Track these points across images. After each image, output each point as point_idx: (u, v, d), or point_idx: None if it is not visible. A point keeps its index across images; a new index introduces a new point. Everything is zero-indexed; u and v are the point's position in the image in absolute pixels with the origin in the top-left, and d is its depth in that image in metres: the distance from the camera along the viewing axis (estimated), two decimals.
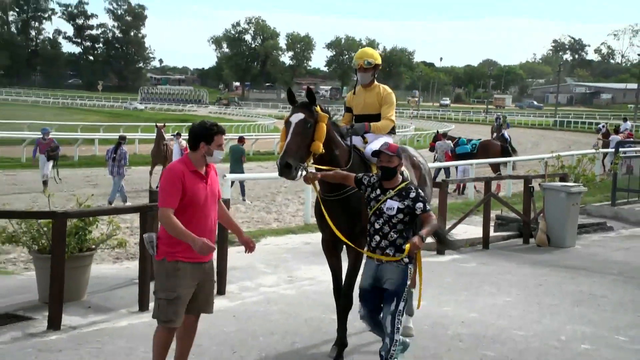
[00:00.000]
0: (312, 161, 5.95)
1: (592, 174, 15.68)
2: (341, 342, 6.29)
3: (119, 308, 7.66)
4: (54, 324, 7.01)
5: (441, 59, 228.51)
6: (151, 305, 6.36)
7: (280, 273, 9.34)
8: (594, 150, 23.81)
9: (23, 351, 6.40)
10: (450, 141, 22.30)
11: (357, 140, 6.53)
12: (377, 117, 6.72)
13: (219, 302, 8.00)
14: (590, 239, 13.28)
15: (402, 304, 5.56)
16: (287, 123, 5.80)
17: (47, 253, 7.57)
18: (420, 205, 5.53)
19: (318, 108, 5.88)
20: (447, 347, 6.84)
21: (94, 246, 8.24)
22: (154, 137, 21.01)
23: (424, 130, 51.91)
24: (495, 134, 28.64)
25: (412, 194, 5.59)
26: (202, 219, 5.33)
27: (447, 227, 11.74)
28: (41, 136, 20.25)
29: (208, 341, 6.57)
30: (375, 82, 6.86)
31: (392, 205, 5.58)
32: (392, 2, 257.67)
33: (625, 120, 37.93)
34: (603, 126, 32.49)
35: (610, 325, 7.79)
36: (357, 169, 6.17)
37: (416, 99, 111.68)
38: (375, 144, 6.30)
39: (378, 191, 5.69)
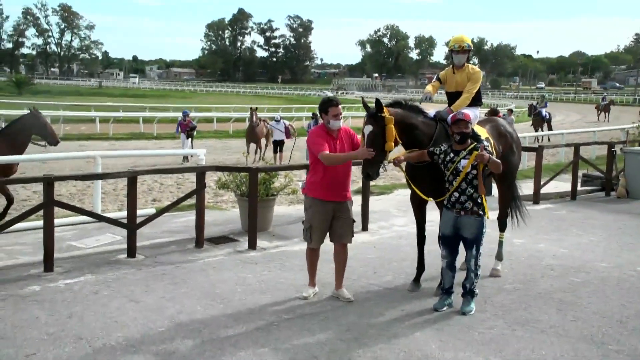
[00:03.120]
0: (393, 153, 5.30)
1: None
2: (420, 269, 5.93)
3: (293, 237, 7.85)
4: (252, 245, 7.35)
5: (538, 51, 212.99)
6: None
7: (409, 216, 9.07)
8: None
9: (234, 262, 6.81)
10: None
11: (444, 111, 5.84)
12: None
13: (363, 237, 8.05)
14: None
15: (481, 248, 5.20)
16: (362, 133, 5.25)
17: (246, 196, 7.87)
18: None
19: (385, 112, 5.15)
20: (541, 274, 6.43)
21: (275, 193, 8.46)
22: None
23: (522, 108, 48.78)
24: (533, 112, 25.35)
25: (481, 145, 5.15)
26: (333, 169, 5.31)
27: (542, 182, 11.04)
28: (182, 117, 18.41)
29: (356, 264, 6.60)
30: (466, 64, 6.03)
31: (465, 163, 5.10)
32: (497, 6, 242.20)
33: None
34: None
35: None
36: (440, 138, 5.51)
37: (517, 84, 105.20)
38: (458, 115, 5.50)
39: (452, 154, 5.19)
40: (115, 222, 7.26)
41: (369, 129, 5.20)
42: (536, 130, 23.21)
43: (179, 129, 18.28)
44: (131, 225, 6.92)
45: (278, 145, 17.63)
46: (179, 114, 29.95)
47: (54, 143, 9.39)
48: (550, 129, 24.20)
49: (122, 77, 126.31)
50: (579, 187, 11.60)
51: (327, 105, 5.34)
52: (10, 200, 8.49)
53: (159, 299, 5.51)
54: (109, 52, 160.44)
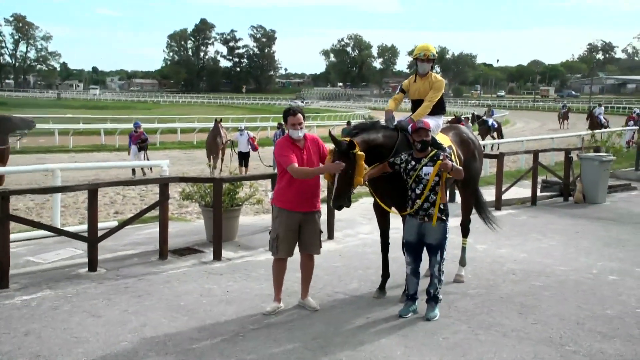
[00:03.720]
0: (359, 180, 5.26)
1: (619, 146, 14.65)
2: (385, 276, 5.98)
3: (258, 247, 7.83)
4: (217, 256, 7.30)
5: (498, 60, 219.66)
6: None
7: (374, 224, 9.07)
8: (621, 128, 22.24)
9: (199, 273, 6.74)
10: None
11: (404, 121, 5.86)
12: None
13: (329, 245, 8.06)
14: (618, 196, 12.46)
15: (444, 254, 5.30)
16: None
17: (210, 207, 7.82)
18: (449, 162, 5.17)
19: (357, 149, 5.13)
20: (503, 278, 6.59)
21: (240, 203, 8.44)
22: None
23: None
24: (477, 121, 25.60)
25: (441, 157, 5.21)
26: (301, 179, 5.23)
27: (504, 188, 11.33)
28: (133, 129, 17.08)
29: (322, 272, 6.61)
30: (430, 72, 6.04)
31: (428, 171, 5.19)
32: (459, 17, 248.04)
33: (599, 105, 34.29)
34: (638, 114, 29.57)
35: (632, 261, 7.34)
36: (401, 148, 5.55)
37: (478, 92, 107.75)
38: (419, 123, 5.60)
39: (413, 162, 5.28)
40: (75, 235, 7.10)
41: (340, 166, 5.10)
42: (482, 139, 23.56)
43: (131, 142, 16.93)
44: (92, 239, 6.78)
45: (243, 157, 16.89)
46: (142, 125, 29.92)
47: (32, 126, 9.66)
48: (501, 136, 24.77)
49: (82, 89, 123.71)
50: (538, 193, 11.89)
51: (286, 115, 5.31)
52: None
53: (122, 313, 5.41)
54: (68, 63, 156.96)
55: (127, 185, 12.59)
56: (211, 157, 17.15)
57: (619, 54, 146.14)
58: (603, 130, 23.02)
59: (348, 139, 5.24)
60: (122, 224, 7.71)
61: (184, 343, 4.76)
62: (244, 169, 16.85)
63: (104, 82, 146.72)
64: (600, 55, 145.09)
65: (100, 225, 7.14)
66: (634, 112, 29.54)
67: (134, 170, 15.65)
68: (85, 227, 7.39)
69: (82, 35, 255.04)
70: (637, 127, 25.10)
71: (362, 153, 5.17)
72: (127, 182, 9.27)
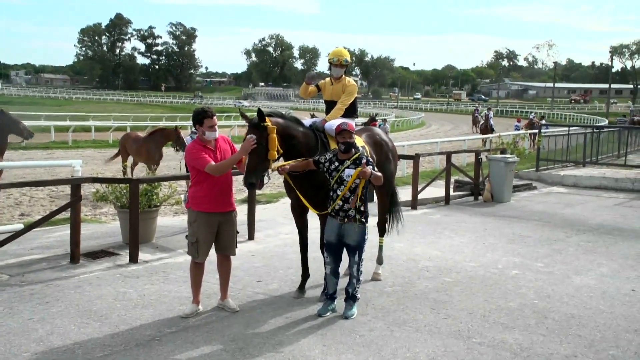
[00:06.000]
0: (276, 162, 5.32)
1: (523, 148, 15.61)
2: (305, 276, 6.02)
3: (177, 249, 7.65)
4: (133, 258, 7.04)
5: (414, 64, 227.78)
6: None
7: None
8: (523, 131, 23.70)
9: (114, 277, 6.47)
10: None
11: (319, 122, 5.98)
12: None
13: (249, 246, 8.03)
14: (521, 195, 13.28)
15: (363, 254, 5.41)
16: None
17: (126, 208, 7.55)
18: (370, 167, 5.27)
19: (268, 121, 5.15)
20: (417, 275, 6.82)
21: (158, 204, 8.19)
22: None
23: (402, 117, 51.58)
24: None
25: (364, 160, 5.30)
26: (215, 181, 5.19)
27: (419, 188, 11.74)
28: None
29: (241, 273, 6.57)
30: (344, 76, 6.20)
31: (349, 173, 5.25)
32: (378, 21, 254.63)
33: (489, 109, 36.58)
34: (533, 117, 32.03)
35: (532, 256, 7.83)
36: (320, 149, 5.67)
37: (396, 94, 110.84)
38: (335, 122, 5.76)
39: (336, 163, 5.33)
40: None
41: (252, 137, 5.14)
42: None
43: None
44: None
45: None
46: (52, 123, 28.14)
47: (30, 136, 9.91)
48: None
49: None
50: (451, 193, 12.44)
51: (202, 117, 5.19)
52: None
53: (26, 321, 5.08)
54: None
55: (35, 187, 11.83)
56: (151, 167, 13.15)
57: (521, 62, 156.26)
58: (501, 134, 24.32)
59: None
60: (29, 227, 7.24)
61: (95, 350, 4.55)
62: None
63: (7, 76, 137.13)
64: (505, 62, 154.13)
65: (2, 228, 6.68)
66: (530, 117, 31.79)
67: None
68: None
69: None
70: (527, 131, 26.83)
71: (273, 126, 5.17)
72: (33, 183, 8.67)
